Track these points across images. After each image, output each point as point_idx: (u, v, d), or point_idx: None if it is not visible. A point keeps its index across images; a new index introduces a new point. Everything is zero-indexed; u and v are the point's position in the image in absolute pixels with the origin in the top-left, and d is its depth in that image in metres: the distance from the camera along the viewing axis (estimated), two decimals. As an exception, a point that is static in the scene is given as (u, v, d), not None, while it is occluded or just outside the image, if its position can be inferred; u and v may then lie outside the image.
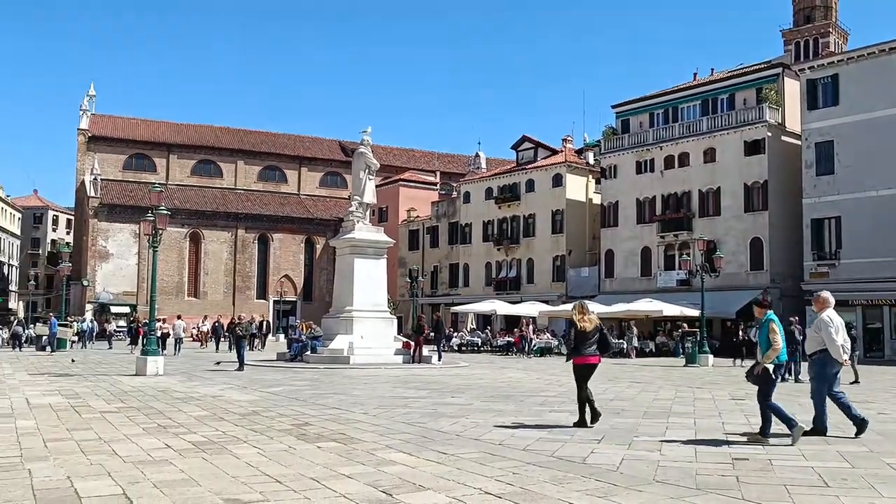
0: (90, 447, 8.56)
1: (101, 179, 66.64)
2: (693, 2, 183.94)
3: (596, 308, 40.86)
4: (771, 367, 9.41)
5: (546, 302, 47.13)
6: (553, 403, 13.91)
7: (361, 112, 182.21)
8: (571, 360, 10.71)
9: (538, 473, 7.21)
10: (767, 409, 9.44)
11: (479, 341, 43.14)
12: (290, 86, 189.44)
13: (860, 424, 9.77)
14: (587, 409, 10.55)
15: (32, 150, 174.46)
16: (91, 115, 71.47)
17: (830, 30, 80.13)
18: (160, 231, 21.55)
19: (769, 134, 41.93)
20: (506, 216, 55.92)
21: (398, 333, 29.41)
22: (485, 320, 52.43)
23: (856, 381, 20.30)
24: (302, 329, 31.21)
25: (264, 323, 41.94)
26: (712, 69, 52.77)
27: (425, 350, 27.31)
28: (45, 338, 34.66)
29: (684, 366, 28.69)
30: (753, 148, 42.32)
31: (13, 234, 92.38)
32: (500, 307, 45.86)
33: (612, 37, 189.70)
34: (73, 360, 26.47)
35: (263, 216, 70.54)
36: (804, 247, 39.95)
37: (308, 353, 26.41)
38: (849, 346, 10.45)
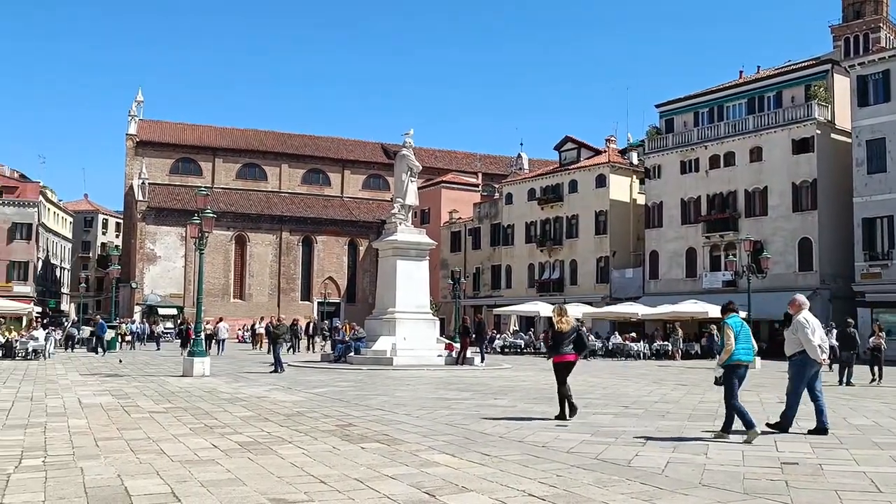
0: (139, 446, 8.72)
1: (149, 183, 67.92)
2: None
3: (640, 309, 40.90)
4: (720, 373, 9.86)
5: (590, 304, 46.78)
6: (597, 406, 13.80)
7: (403, 114, 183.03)
8: (552, 359, 11.68)
9: (582, 476, 7.16)
10: (731, 408, 9.74)
11: (522, 343, 43.00)
12: (332, 89, 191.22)
13: (823, 429, 10.09)
14: (566, 403, 11.36)
15: (83, 155, 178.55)
16: (139, 120, 72.86)
17: (881, 25, 78.25)
18: (206, 234, 21.83)
19: (818, 132, 41.10)
20: (548, 217, 55.66)
21: (440, 335, 29.45)
22: (528, 322, 52.24)
23: (875, 380, 20.29)
24: (345, 330, 31.44)
25: (311, 325, 41.85)
26: (758, 67, 51.92)
27: (468, 352, 27.30)
28: (95, 339, 35.20)
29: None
30: (802, 146, 41.52)
31: (65, 238, 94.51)
32: (544, 309, 45.64)
33: (655, 35, 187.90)
34: (119, 361, 27.03)
35: (307, 219, 71.22)
36: (855, 247, 39.09)
37: (352, 354, 26.58)
38: (826, 346, 10.78)
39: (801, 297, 10.91)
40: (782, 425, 10.28)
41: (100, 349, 33.76)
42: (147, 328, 48.63)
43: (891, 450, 9.03)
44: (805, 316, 10.37)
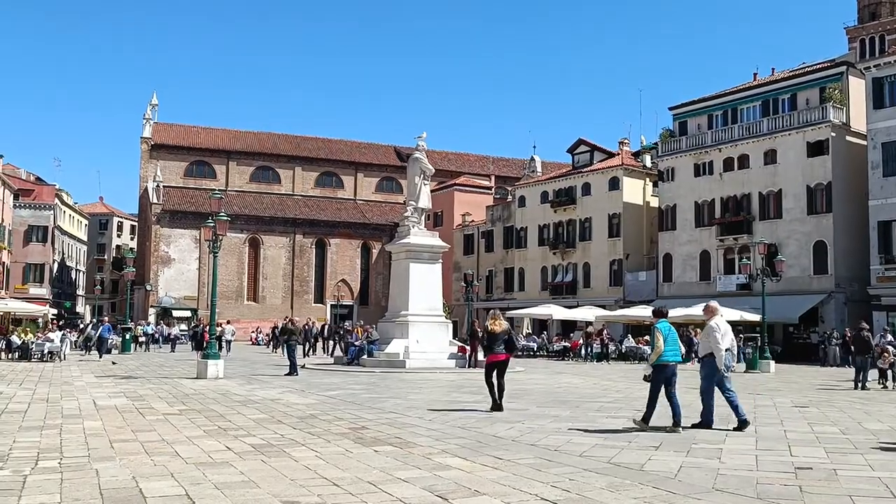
0: (154, 448, 8.78)
1: (163, 186, 68.38)
2: (753, 1, 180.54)
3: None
4: (649, 371, 10.80)
5: (603, 306, 46.67)
6: (610, 409, 13.78)
7: (416, 117, 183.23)
8: (486, 357, 13.39)
9: (595, 480, 7.15)
10: (669, 399, 10.69)
11: (535, 346, 42.96)
12: (345, 92, 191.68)
13: (742, 423, 10.68)
14: (494, 393, 12.93)
15: (99, 158, 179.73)
16: (154, 123, 73.36)
17: (897, 26, 77.61)
18: (220, 237, 21.94)
19: (833, 134, 40.86)
20: (561, 220, 55.58)
21: (453, 338, 29.46)
22: (541, 325, 52.16)
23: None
24: (358, 332, 31.51)
25: (326, 327, 41.83)
26: (773, 69, 51.65)
27: (480, 355, 27.26)
28: (92, 340, 34.40)
29: (745, 371, 28.13)
30: (817, 149, 41.28)
31: (80, 240, 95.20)
32: (557, 312, 45.59)
33: (669, 37, 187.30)
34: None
35: (321, 221, 71.45)
36: (871, 250, 38.82)
37: (364, 356, 26.63)
38: (735, 350, 11.93)
39: (713, 304, 11.79)
40: (704, 423, 10.90)
41: (94, 351, 32.78)
42: (164, 330, 48.89)
43: (906, 455, 8.97)
44: (716, 321, 11.07)
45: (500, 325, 13.19)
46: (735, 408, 10.84)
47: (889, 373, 20.63)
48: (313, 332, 36.90)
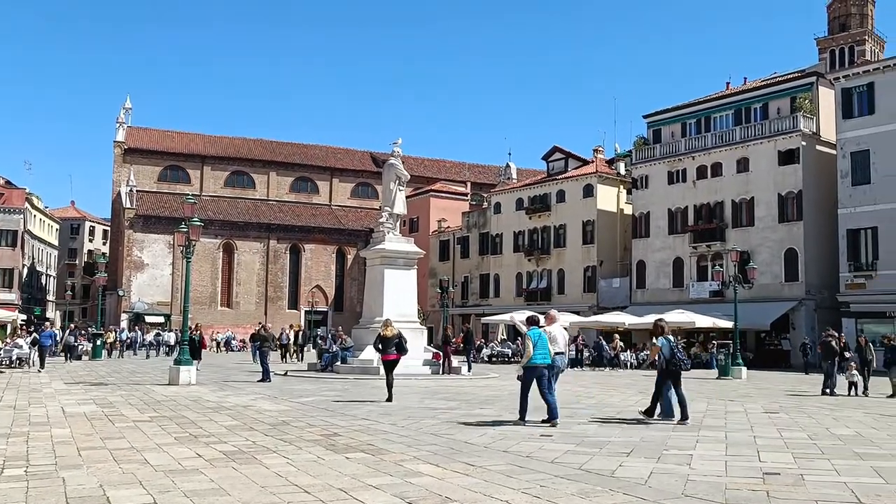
0: (122, 456, 8.69)
1: (137, 191, 67.72)
2: (725, 11, 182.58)
3: (626, 319, 40.94)
4: (521, 372, 12.40)
5: (577, 313, 46.85)
6: (582, 416, 13.84)
7: (392, 123, 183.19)
8: (381, 357, 16.35)
9: (565, 486, 7.19)
10: (543, 398, 12.12)
11: (510, 352, 43.02)
12: (321, 97, 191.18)
13: (552, 418, 12.03)
14: (391, 389, 15.82)
15: (70, 161, 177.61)
16: (127, 127, 72.66)
17: (866, 38, 78.87)
18: (194, 242, 21.81)
19: (804, 143, 41.42)
20: (536, 227, 55.80)
21: (428, 344, 29.40)
22: (515, 331, 52.22)
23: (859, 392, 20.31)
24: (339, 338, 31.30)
25: (300, 333, 41.53)
26: (745, 78, 52.35)
27: (455, 361, 27.27)
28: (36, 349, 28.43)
29: (717, 378, 28.37)
30: (788, 157, 41.82)
31: (51, 245, 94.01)
32: (531, 318, 45.63)
33: (643, 46, 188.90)
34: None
35: (295, 227, 71.12)
36: (840, 258, 39.37)
37: (338, 363, 26.52)
38: (566, 356, 13.76)
39: (553, 312, 14.05)
40: (551, 418, 12.11)
41: (36, 362, 27.90)
42: (140, 336, 47.77)
43: (872, 460, 9.11)
44: (552, 328, 12.89)
45: (392, 332, 16.14)
46: (551, 405, 12.30)
47: (859, 380, 20.76)
48: (283, 340, 36.45)
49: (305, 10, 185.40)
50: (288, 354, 36.01)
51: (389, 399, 15.64)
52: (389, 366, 16.08)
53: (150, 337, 46.90)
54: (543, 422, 12.05)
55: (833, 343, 21.35)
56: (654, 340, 13.21)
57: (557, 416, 12.08)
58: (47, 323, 39.23)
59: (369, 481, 7.31)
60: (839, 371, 21.13)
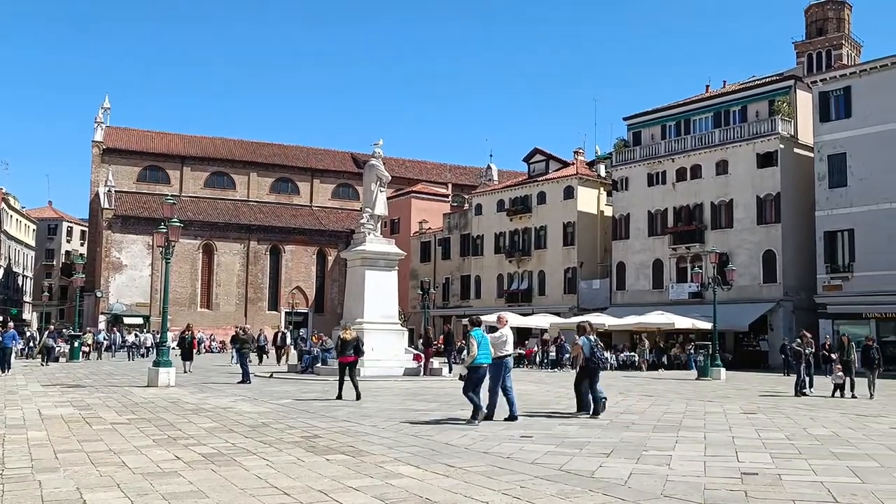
0: (100, 459, 8.61)
1: (116, 191, 67.09)
2: (705, 14, 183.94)
3: (606, 320, 41.06)
4: (465, 372, 12.76)
5: (557, 314, 47.02)
6: (564, 417, 13.88)
7: (373, 124, 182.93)
8: (339, 358, 17.21)
9: (545, 487, 7.20)
10: (468, 398, 12.52)
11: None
12: (302, 98, 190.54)
13: (512, 417, 12.68)
14: (350, 389, 16.43)
15: (48, 161, 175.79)
16: (106, 127, 71.98)
17: (843, 42, 79.84)
18: (173, 243, 21.64)
19: (782, 146, 41.80)
20: (517, 228, 55.90)
21: (409, 345, 29.38)
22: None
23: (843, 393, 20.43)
24: (314, 341, 31.23)
25: (279, 335, 41.21)
26: (724, 81, 52.70)
27: (436, 362, 27.26)
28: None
29: (696, 379, 28.55)
30: (766, 160, 42.18)
31: (28, 246, 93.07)
32: (512, 319, 45.68)
33: (623, 49, 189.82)
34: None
35: (276, 228, 70.78)
36: (817, 259, 39.73)
37: (319, 365, 26.43)
38: (512, 357, 13.81)
39: (503, 315, 14.72)
40: (489, 417, 12.63)
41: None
42: (120, 338, 46.95)
43: (848, 460, 9.20)
44: (503, 331, 13.15)
45: (351, 335, 17.06)
46: (511, 403, 12.90)
47: (846, 382, 20.82)
48: (260, 342, 36.07)
49: (286, 11, 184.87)
50: (266, 357, 35.68)
51: (340, 396, 16.54)
52: (349, 367, 16.85)
53: (130, 338, 46.17)
54: (506, 419, 12.68)
55: (796, 346, 21.92)
56: (577, 340, 14.20)
57: (493, 413, 12.79)
58: (11, 323, 36.30)
59: (349, 483, 7.30)
60: (828, 374, 21.46)
